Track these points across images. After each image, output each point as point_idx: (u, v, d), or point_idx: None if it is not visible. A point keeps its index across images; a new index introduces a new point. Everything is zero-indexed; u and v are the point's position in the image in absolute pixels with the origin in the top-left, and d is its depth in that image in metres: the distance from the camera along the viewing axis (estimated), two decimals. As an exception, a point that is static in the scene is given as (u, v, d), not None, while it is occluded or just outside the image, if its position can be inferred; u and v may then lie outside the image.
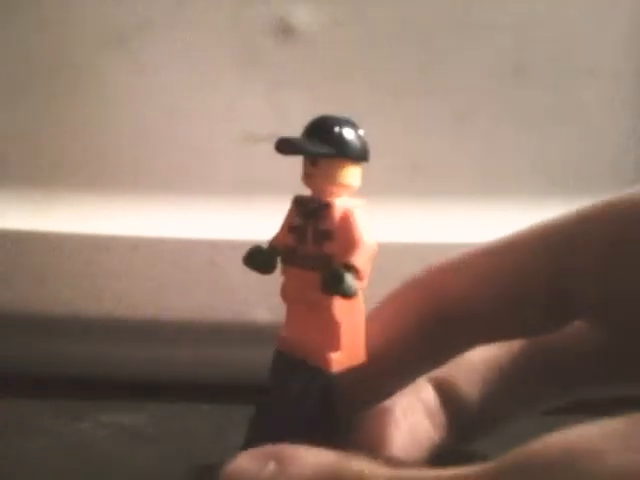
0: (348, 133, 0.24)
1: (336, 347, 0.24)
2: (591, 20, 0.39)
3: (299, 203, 0.26)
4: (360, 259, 0.23)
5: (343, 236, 0.24)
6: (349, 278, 0.23)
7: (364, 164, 0.24)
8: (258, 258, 0.26)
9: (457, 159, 0.39)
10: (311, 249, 0.25)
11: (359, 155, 0.24)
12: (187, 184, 0.40)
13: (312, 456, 0.20)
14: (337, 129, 0.24)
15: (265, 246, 0.26)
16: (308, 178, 0.25)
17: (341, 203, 0.24)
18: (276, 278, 0.39)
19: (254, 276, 0.40)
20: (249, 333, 0.39)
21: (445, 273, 0.23)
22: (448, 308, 0.23)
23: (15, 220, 0.39)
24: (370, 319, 0.24)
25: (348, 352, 0.24)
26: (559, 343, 0.25)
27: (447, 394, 0.26)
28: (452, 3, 0.39)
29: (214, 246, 0.39)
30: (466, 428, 0.26)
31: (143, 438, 0.35)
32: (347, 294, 0.23)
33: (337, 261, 0.23)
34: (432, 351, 0.24)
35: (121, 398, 0.38)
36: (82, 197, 0.39)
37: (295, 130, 0.40)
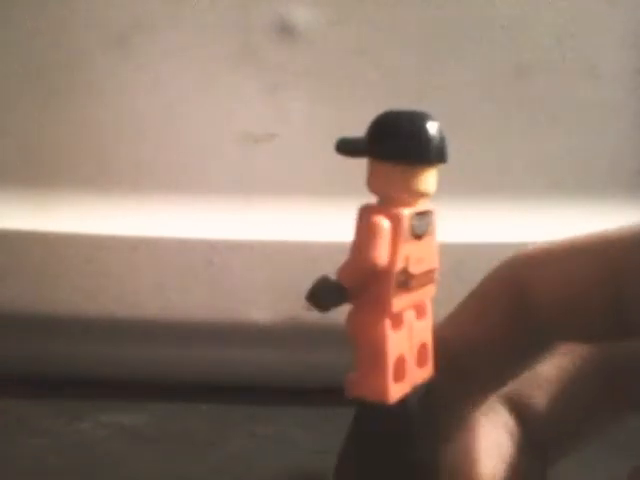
0: None
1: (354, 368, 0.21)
2: (591, 20, 0.39)
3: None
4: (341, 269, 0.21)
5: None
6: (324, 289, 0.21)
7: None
8: None
9: (457, 159, 0.39)
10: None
11: None
12: (187, 184, 0.40)
13: None
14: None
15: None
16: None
17: None
18: (276, 278, 0.39)
19: (254, 276, 0.40)
20: (249, 333, 0.39)
21: (532, 269, 0.22)
22: (536, 306, 0.21)
23: (15, 220, 0.39)
24: (451, 319, 0.23)
25: (367, 371, 0.21)
26: None
27: (522, 413, 0.24)
28: (452, 3, 0.39)
29: (214, 246, 0.39)
30: (543, 449, 0.24)
31: (143, 438, 0.35)
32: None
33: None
34: (519, 352, 0.22)
35: (121, 398, 0.38)
36: (82, 197, 0.39)
37: (295, 130, 0.40)
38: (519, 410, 0.24)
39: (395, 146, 0.21)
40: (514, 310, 0.22)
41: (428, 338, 0.22)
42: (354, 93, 0.39)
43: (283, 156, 0.39)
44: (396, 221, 0.21)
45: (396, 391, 0.20)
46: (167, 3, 0.39)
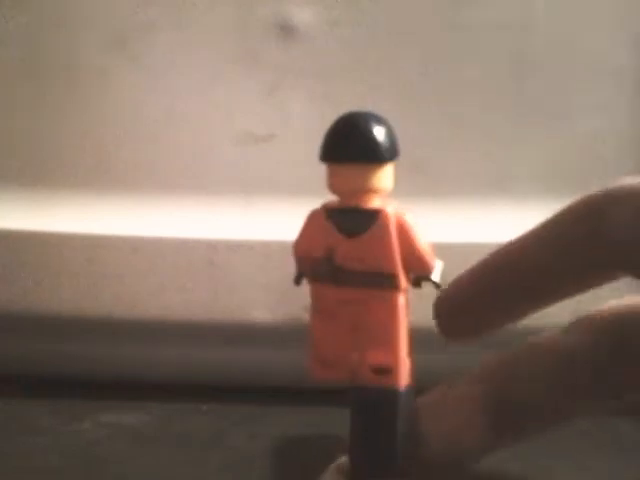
0: None
1: None
2: (591, 20, 0.39)
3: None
4: None
5: None
6: None
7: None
8: None
9: (457, 159, 0.39)
10: None
11: None
12: (187, 184, 0.40)
13: None
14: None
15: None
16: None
17: None
18: (276, 278, 0.39)
19: (254, 276, 0.40)
20: (249, 333, 0.39)
21: (611, 202, 0.23)
22: (611, 236, 0.22)
23: (15, 220, 0.39)
24: (522, 239, 0.24)
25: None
26: None
27: (501, 390, 0.24)
28: (452, 3, 0.39)
29: (214, 246, 0.39)
30: (521, 426, 0.24)
31: (143, 438, 0.35)
32: None
33: None
34: (584, 276, 0.23)
35: (121, 398, 0.38)
36: (82, 197, 0.39)
37: (295, 130, 0.40)
38: (497, 386, 0.24)
39: (322, 146, 0.23)
40: (588, 236, 0.22)
41: (385, 344, 0.22)
42: (354, 93, 0.39)
43: (283, 156, 0.39)
44: (313, 215, 0.24)
45: (321, 374, 0.24)
46: (167, 3, 0.39)
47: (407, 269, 0.22)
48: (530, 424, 0.25)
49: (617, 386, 0.24)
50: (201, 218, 0.39)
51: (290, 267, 0.39)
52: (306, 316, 0.39)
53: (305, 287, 0.36)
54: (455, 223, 0.39)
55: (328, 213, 0.23)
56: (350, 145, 0.22)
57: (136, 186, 0.39)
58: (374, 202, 0.22)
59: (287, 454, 0.33)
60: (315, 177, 0.41)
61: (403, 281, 0.22)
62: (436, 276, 0.22)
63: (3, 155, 0.40)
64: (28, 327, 0.39)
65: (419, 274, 0.22)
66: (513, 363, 0.24)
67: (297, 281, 0.24)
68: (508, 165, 0.39)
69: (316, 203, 0.39)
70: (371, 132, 0.22)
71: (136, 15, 0.39)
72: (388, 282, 0.22)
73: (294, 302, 0.39)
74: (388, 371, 0.22)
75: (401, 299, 0.22)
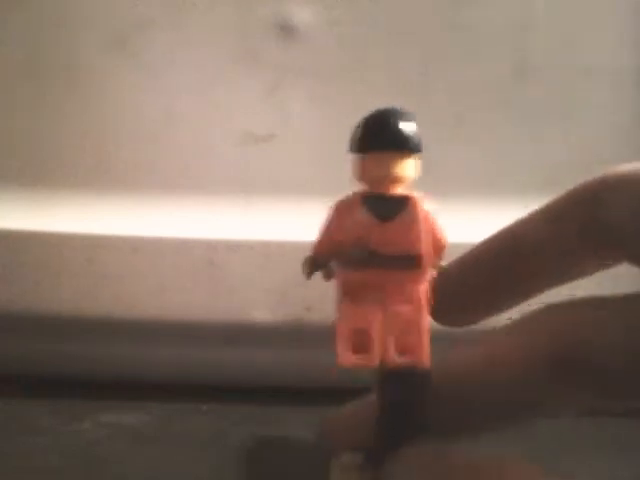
0: None
1: None
2: (591, 20, 0.39)
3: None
4: None
5: None
6: None
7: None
8: None
9: (457, 159, 0.39)
10: None
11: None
12: (187, 184, 0.40)
13: None
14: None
15: None
16: None
17: None
18: (276, 278, 0.39)
19: (254, 276, 0.40)
20: (249, 333, 0.39)
21: (608, 188, 0.23)
22: (607, 222, 0.22)
23: (15, 220, 0.39)
24: (523, 220, 0.24)
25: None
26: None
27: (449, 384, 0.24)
28: (452, 3, 0.39)
29: (213, 246, 0.39)
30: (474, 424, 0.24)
31: (143, 438, 0.35)
32: None
33: None
34: (581, 260, 0.24)
35: (121, 398, 0.38)
36: (82, 197, 0.39)
37: (295, 130, 0.40)
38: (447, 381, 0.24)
39: (355, 138, 0.24)
40: (584, 221, 0.23)
41: (412, 327, 0.23)
42: (354, 93, 0.39)
43: (283, 156, 0.39)
44: (346, 202, 0.25)
45: (350, 360, 0.23)
46: (167, 3, 0.39)
47: (432, 252, 0.24)
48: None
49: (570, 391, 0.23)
50: (201, 218, 0.39)
51: (290, 267, 0.39)
52: (306, 316, 0.39)
53: (305, 287, 0.36)
54: (455, 223, 0.39)
55: (364, 199, 0.24)
56: (387, 135, 0.23)
57: (136, 186, 0.39)
58: (401, 190, 0.24)
59: (287, 454, 0.33)
60: (315, 177, 0.41)
61: (429, 262, 0.24)
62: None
63: (3, 155, 0.40)
64: (28, 327, 0.39)
65: (438, 257, 0.24)
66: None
67: (310, 273, 0.25)
68: (508, 165, 0.39)
69: (316, 203, 0.39)
70: (405, 124, 0.23)
71: (136, 15, 0.39)
72: (416, 263, 0.23)
73: (294, 302, 0.39)
74: (414, 353, 0.23)
75: (426, 279, 0.23)
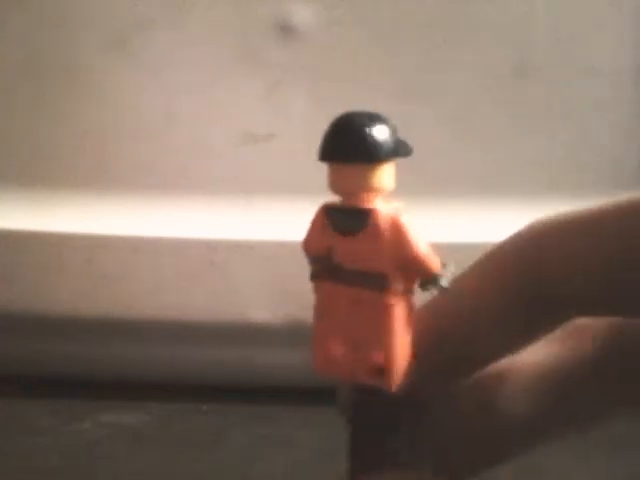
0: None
1: None
2: (591, 20, 0.39)
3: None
4: None
5: None
6: None
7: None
8: None
9: (457, 159, 0.39)
10: None
11: None
12: (187, 184, 0.40)
13: None
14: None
15: None
16: None
17: None
18: (276, 278, 0.39)
19: (254, 276, 0.40)
20: (249, 333, 0.39)
21: (549, 241, 0.21)
22: (552, 278, 0.21)
23: (15, 220, 0.39)
24: (461, 280, 0.22)
25: None
26: None
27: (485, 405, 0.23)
28: (452, 3, 0.39)
29: (213, 246, 0.39)
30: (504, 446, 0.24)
31: (143, 438, 0.35)
32: None
33: None
34: (529, 321, 0.22)
35: (121, 398, 0.38)
36: (82, 197, 0.39)
37: (295, 130, 0.40)
38: (480, 400, 0.23)
39: (320, 146, 0.22)
40: (528, 278, 0.21)
41: (380, 347, 0.22)
42: (354, 93, 0.39)
43: (283, 156, 0.39)
44: (316, 213, 0.24)
45: (325, 370, 0.23)
46: (167, 3, 0.39)
47: (404, 270, 0.22)
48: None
49: (618, 401, 0.23)
50: (201, 218, 0.39)
51: (290, 267, 0.39)
52: (306, 316, 0.39)
53: (305, 287, 0.36)
54: (455, 223, 0.39)
55: (327, 211, 0.23)
56: (342, 144, 0.22)
57: (136, 186, 0.39)
58: (374, 202, 0.22)
59: (287, 454, 0.33)
60: (315, 177, 0.41)
61: (396, 282, 0.22)
62: (445, 281, 0.22)
63: (3, 155, 0.40)
64: (28, 327, 0.39)
65: (421, 277, 0.22)
66: (493, 387, 0.24)
67: (311, 277, 0.24)
68: (508, 165, 0.39)
69: (316, 203, 0.40)
70: (364, 132, 0.21)
71: (136, 15, 0.39)
72: (379, 282, 0.22)
73: (294, 302, 0.39)
74: (382, 371, 0.22)
75: (394, 300, 0.22)
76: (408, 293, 0.22)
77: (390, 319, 0.22)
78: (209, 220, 0.39)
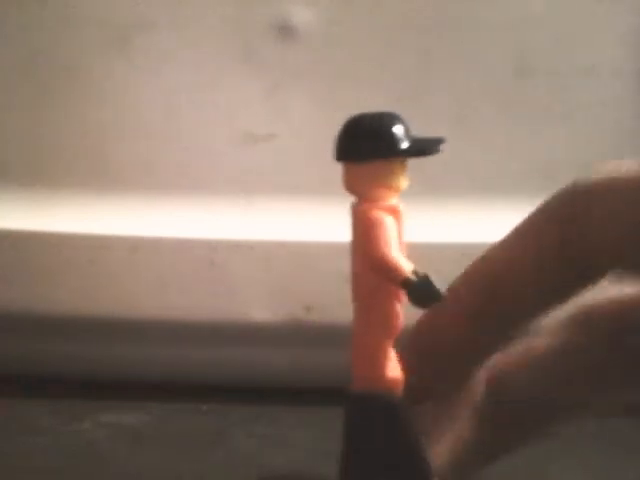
0: None
1: None
2: (591, 20, 0.39)
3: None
4: None
5: None
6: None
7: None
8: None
9: (457, 159, 0.39)
10: None
11: None
12: (187, 184, 0.40)
13: None
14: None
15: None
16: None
17: None
18: (276, 278, 0.39)
19: (254, 276, 0.40)
20: (249, 333, 0.39)
21: (590, 198, 0.22)
22: (590, 235, 0.21)
23: (15, 220, 0.39)
24: (502, 243, 0.23)
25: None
26: None
27: (499, 391, 0.23)
28: (452, 3, 0.39)
29: (214, 246, 0.39)
30: (517, 432, 0.24)
31: (143, 438, 0.35)
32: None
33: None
34: (565, 280, 0.22)
35: (121, 398, 0.38)
36: (82, 197, 0.39)
37: (295, 130, 0.40)
38: (496, 387, 0.23)
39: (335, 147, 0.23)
40: (567, 236, 0.21)
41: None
42: (354, 93, 0.39)
43: (283, 156, 0.39)
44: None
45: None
46: (167, 3, 0.39)
47: (374, 271, 0.21)
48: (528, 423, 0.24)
49: (617, 387, 0.23)
50: (201, 218, 0.39)
51: (290, 267, 0.39)
52: (306, 316, 0.39)
53: (305, 287, 0.36)
54: (455, 223, 0.39)
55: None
56: (340, 145, 0.23)
57: (136, 186, 0.39)
58: (387, 200, 0.22)
59: (287, 454, 0.33)
60: (315, 177, 0.41)
61: (367, 280, 0.22)
62: (413, 290, 0.20)
63: (3, 155, 0.40)
64: (28, 327, 0.39)
65: (389, 281, 0.21)
66: (509, 371, 0.24)
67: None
68: (508, 165, 0.39)
69: (316, 203, 0.40)
70: (349, 132, 0.23)
71: (136, 15, 0.39)
72: (356, 280, 0.22)
73: (294, 302, 0.39)
74: (367, 377, 0.22)
75: (370, 301, 0.22)
76: (381, 295, 0.22)
77: (366, 320, 0.22)
78: (209, 220, 0.39)
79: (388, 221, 0.21)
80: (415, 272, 0.20)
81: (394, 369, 0.22)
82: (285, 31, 0.39)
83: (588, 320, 0.23)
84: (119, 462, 0.32)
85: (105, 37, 0.39)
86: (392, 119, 0.23)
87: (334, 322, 0.38)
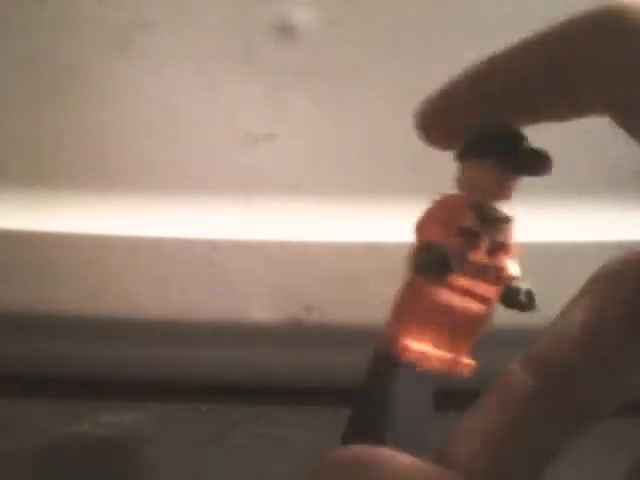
0: None
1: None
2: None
3: (479, 207, 0.24)
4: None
5: (513, 252, 0.24)
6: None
7: None
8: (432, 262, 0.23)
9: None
10: (482, 258, 0.23)
11: None
12: (187, 184, 0.40)
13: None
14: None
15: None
16: (501, 186, 0.24)
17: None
18: (276, 278, 0.39)
19: (254, 276, 0.40)
20: (249, 333, 0.39)
21: None
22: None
23: (15, 220, 0.39)
24: None
25: None
26: None
27: (545, 377, 0.20)
28: (452, 3, 0.39)
29: (214, 246, 0.39)
30: (570, 419, 0.20)
31: (143, 438, 0.35)
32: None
33: (513, 277, 0.23)
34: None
35: (121, 398, 0.39)
36: (82, 197, 0.39)
37: (295, 130, 0.40)
38: (539, 371, 0.20)
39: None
40: (583, 48, 0.22)
41: None
42: (354, 93, 0.39)
43: (283, 156, 0.39)
44: None
45: None
46: (168, 3, 0.39)
47: None
48: None
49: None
50: (201, 218, 0.39)
51: (290, 267, 0.39)
52: (306, 316, 0.39)
53: (305, 287, 0.36)
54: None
55: None
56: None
57: (136, 186, 0.39)
58: None
59: (287, 454, 0.33)
60: (315, 177, 0.41)
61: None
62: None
63: (3, 155, 0.40)
64: (28, 327, 0.39)
65: None
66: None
67: None
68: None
69: (316, 203, 0.40)
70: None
71: (136, 16, 0.39)
72: None
73: (294, 302, 0.39)
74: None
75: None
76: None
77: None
78: (209, 220, 0.39)
79: None
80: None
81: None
82: (285, 31, 0.39)
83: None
84: (119, 462, 0.32)
85: (105, 37, 0.39)
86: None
87: (334, 322, 0.38)
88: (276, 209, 0.39)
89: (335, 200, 0.38)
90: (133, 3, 0.39)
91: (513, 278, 0.24)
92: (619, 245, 0.38)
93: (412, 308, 0.23)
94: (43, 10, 0.39)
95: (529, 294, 0.23)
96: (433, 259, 0.22)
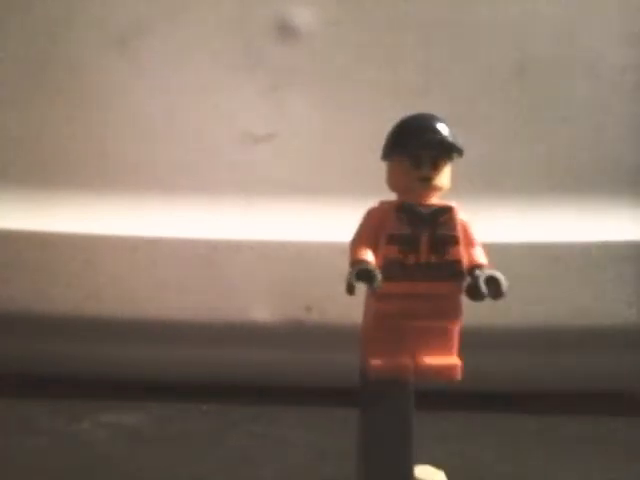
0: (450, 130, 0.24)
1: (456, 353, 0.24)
2: (592, 19, 0.39)
3: (407, 210, 0.23)
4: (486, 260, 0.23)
5: (467, 240, 0.23)
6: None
7: None
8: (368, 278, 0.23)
9: (457, 159, 0.39)
10: (427, 258, 0.23)
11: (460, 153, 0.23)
12: (187, 184, 0.40)
13: None
14: (445, 126, 0.24)
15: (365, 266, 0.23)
16: (423, 182, 0.23)
17: (455, 206, 0.23)
18: (276, 278, 0.39)
19: (254, 276, 0.40)
20: (249, 333, 0.39)
21: None
22: None
23: (15, 220, 0.39)
24: None
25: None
26: None
27: None
28: (452, 3, 0.39)
29: (214, 246, 0.39)
30: None
31: (143, 438, 0.35)
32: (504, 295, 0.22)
33: (473, 266, 0.23)
34: None
35: (121, 398, 0.38)
36: (82, 197, 0.39)
37: (295, 130, 0.40)
38: None
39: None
40: None
41: None
42: (354, 93, 0.39)
43: (283, 156, 0.39)
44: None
45: None
46: (167, 4, 0.39)
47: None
48: None
49: None
50: (201, 218, 0.39)
51: (290, 267, 0.39)
52: (306, 316, 0.39)
53: (305, 287, 0.36)
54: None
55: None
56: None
57: (136, 186, 0.39)
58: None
59: (287, 454, 0.33)
60: (315, 177, 0.41)
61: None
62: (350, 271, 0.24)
63: (3, 155, 0.40)
64: (28, 327, 0.39)
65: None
66: None
67: None
68: (508, 165, 0.39)
69: (316, 203, 0.40)
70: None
71: (137, 16, 0.39)
72: None
73: (294, 302, 0.39)
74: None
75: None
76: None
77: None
78: (209, 220, 0.39)
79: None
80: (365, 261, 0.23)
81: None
82: (286, 31, 0.39)
83: None
84: (119, 462, 0.32)
85: (106, 38, 0.39)
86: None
87: (334, 322, 0.38)
88: (276, 209, 0.39)
89: (335, 200, 0.38)
90: (133, 3, 0.39)
91: (473, 267, 0.23)
92: (619, 245, 0.38)
93: (369, 326, 0.24)
94: (43, 10, 0.39)
95: (491, 280, 0.22)
96: (359, 274, 0.23)
